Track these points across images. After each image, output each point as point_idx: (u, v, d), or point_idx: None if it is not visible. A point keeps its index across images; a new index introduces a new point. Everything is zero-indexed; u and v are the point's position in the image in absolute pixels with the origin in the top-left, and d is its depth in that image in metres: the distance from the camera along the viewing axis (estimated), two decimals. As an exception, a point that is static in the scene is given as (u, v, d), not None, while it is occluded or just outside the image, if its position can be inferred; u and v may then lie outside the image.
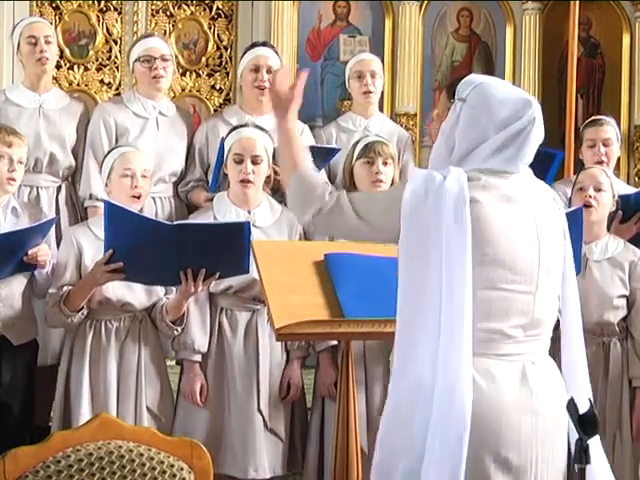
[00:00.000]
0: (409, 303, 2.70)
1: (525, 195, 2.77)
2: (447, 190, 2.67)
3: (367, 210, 2.79)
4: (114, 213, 3.77)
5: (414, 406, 2.66)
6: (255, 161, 4.15)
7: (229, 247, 3.80)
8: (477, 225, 2.66)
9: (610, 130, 4.89)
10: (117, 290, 4.02)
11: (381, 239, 2.88)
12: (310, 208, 2.80)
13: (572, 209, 4.11)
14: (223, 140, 4.33)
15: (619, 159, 6.81)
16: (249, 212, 4.18)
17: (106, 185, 4.16)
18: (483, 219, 2.67)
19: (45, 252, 4.00)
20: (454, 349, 2.61)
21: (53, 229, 4.26)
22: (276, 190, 4.50)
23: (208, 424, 4.10)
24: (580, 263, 4.03)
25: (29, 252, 3.94)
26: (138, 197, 4.05)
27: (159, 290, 4.11)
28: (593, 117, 5.21)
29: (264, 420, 4.10)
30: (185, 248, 3.77)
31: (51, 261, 4.07)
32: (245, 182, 4.14)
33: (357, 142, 4.40)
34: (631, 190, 5.16)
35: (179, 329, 4.06)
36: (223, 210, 4.17)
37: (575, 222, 3.91)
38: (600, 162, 4.77)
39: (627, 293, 4.17)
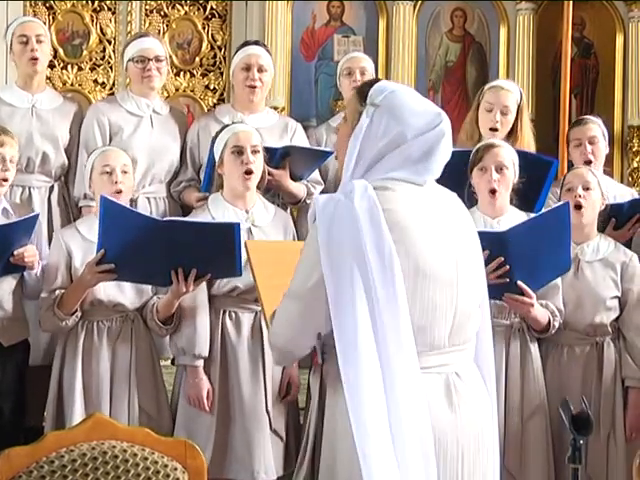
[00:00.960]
0: (347, 342, 2.55)
1: (436, 202, 2.71)
2: (358, 210, 2.57)
3: (305, 284, 2.65)
4: (109, 208, 3.77)
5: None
6: (255, 151, 4.14)
7: (219, 247, 3.80)
8: (395, 234, 2.58)
9: (595, 128, 4.89)
10: (108, 291, 4.02)
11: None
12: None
13: (557, 205, 4.11)
14: (213, 141, 4.33)
15: (612, 158, 6.85)
16: (247, 212, 4.17)
17: (89, 186, 4.18)
18: (400, 227, 2.60)
19: (32, 253, 3.98)
20: (404, 369, 2.55)
21: (45, 230, 4.25)
22: (268, 190, 4.50)
23: (213, 428, 4.07)
24: (570, 260, 4.04)
25: (15, 252, 3.93)
26: (118, 192, 4.04)
27: (149, 289, 4.11)
28: (578, 118, 5.21)
29: (270, 421, 4.10)
30: (176, 246, 3.77)
31: (40, 262, 4.06)
32: (249, 173, 4.11)
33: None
34: (621, 187, 5.21)
35: (169, 328, 4.06)
36: (221, 210, 4.15)
37: (562, 218, 3.91)
38: (588, 161, 4.77)
39: (619, 294, 4.18)
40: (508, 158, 4.15)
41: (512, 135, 4.77)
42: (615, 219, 4.49)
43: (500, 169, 4.12)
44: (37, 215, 4.07)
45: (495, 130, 4.73)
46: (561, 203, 4.09)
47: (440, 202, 2.73)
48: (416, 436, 2.53)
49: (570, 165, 4.95)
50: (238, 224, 3.82)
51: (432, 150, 2.69)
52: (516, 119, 4.80)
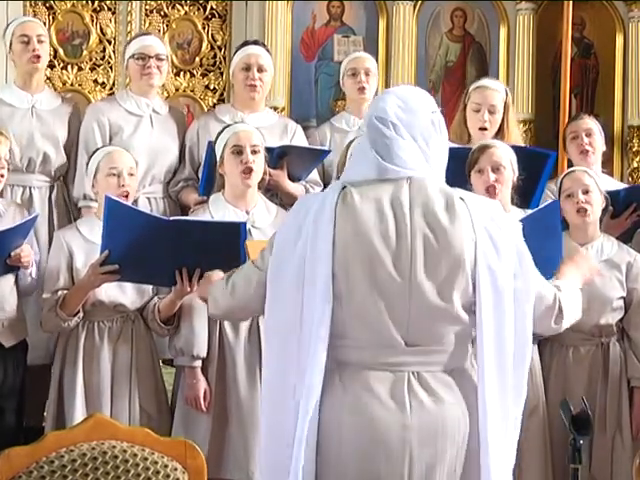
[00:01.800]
0: (275, 334, 2.71)
1: (396, 197, 2.68)
2: (317, 201, 2.71)
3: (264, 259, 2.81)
4: (113, 207, 3.76)
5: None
6: (254, 151, 4.13)
7: (224, 247, 3.79)
8: (341, 229, 2.64)
9: (590, 122, 4.90)
10: (109, 291, 4.01)
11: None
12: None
13: (546, 203, 4.10)
14: (211, 143, 4.32)
15: (612, 158, 6.85)
16: (247, 212, 4.17)
17: (93, 185, 4.15)
18: (346, 224, 2.65)
19: (27, 253, 3.97)
20: (309, 366, 2.62)
21: (45, 229, 4.23)
22: (267, 190, 4.50)
23: (211, 429, 4.07)
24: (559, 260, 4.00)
25: (12, 254, 3.92)
26: (125, 196, 4.04)
27: (150, 290, 4.11)
28: (572, 116, 5.22)
29: None
30: (181, 246, 3.77)
31: (34, 261, 4.05)
32: (248, 172, 4.10)
33: (352, 141, 4.39)
34: (621, 186, 5.20)
35: (171, 329, 4.06)
36: (221, 211, 4.14)
37: (552, 217, 3.90)
38: (585, 151, 4.77)
39: (624, 294, 4.18)
40: (505, 157, 4.14)
41: (499, 133, 4.79)
42: (613, 207, 4.48)
43: (497, 169, 4.11)
44: (36, 217, 4.06)
45: (484, 130, 4.74)
46: (550, 202, 4.09)
47: (416, 197, 2.68)
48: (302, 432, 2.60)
49: (570, 165, 4.95)
50: (244, 224, 3.81)
51: (377, 145, 2.73)
52: (503, 117, 4.82)
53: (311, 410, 2.61)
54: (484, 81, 5.05)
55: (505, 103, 4.84)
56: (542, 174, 4.56)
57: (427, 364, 2.68)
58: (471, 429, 2.68)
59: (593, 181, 4.23)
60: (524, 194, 4.31)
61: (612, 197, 4.45)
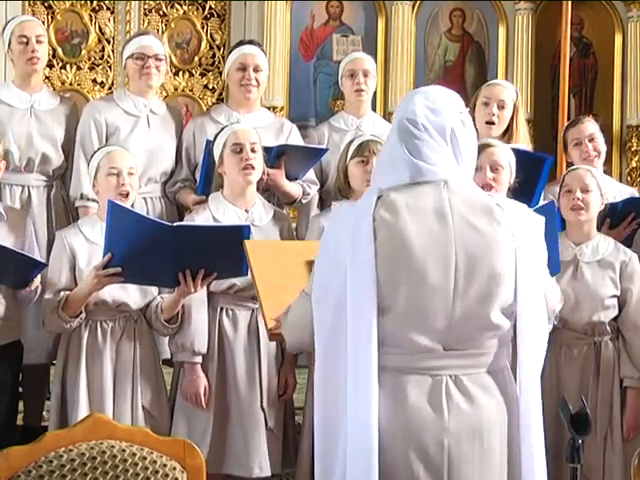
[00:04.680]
0: (323, 331, 2.68)
1: (438, 205, 2.65)
2: (353, 212, 2.66)
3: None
4: (116, 212, 3.76)
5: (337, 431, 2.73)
6: (253, 149, 4.15)
7: (228, 249, 3.80)
8: (384, 240, 2.61)
9: (591, 126, 4.89)
10: (112, 291, 4.01)
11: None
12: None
13: (543, 204, 4.11)
14: (209, 142, 4.32)
15: (611, 158, 6.86)
16: (246, 211, 4.17)
17: (93, 185, 4.15)
18: (389, 234, 2.61)
19: (36, 284, 3.97)
20: (360, 373, 2.60)
21: (44, 231, 4.22)
22: (265, 190, 4.50)
23: (210, 425, 4.09)
24: (557, 261, 3.98)
25: (27, 289, 3.92)
26: (126, 195, 4.04)
27: (153, 290, 4.11)
28: (572, 119, 5.22)
29: (265, 418, 4.11)
30: (184, 249, 3.77)
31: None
32: (248, 168, 4.12)
33: (351, 141, 4.40)
34: (621, 186, 5.23)
35: (174, 327, 4.06)
36: (221, 210, 4.16)
37: (548, 217, 3.89)
38: (589, 159, 4.76)
39: (618, 293, 4.17)
40: (504, 158, 4.15)
41: (508, 133, 4.81)
42: (610, 219, 4.49)
43: (495, 169, 4.12)
44: (44, 265, 3.99)
45: (491, 124, 4.77)
46: (546, 202, 4.09)
47: (456, 204, 2.66)
48: (359, 430, 2.60)
49: (569, 165, 4.95)
50: (247, 226, 3.82)
51: (411, 143, 2.69)
52: (512, 119, 4.84)
53: (372, 417, 2.60)
54: (495, 80, 5.13)
55: (515, 104, 4.87)
56: (539, 178, 4.56)
57: (465, 367, 2.68)
58: (510, 429, 2.70)
59: (595, 181, 4.21)
60: (521, 197, 4.31)
61: (610, 209, 4.46)
